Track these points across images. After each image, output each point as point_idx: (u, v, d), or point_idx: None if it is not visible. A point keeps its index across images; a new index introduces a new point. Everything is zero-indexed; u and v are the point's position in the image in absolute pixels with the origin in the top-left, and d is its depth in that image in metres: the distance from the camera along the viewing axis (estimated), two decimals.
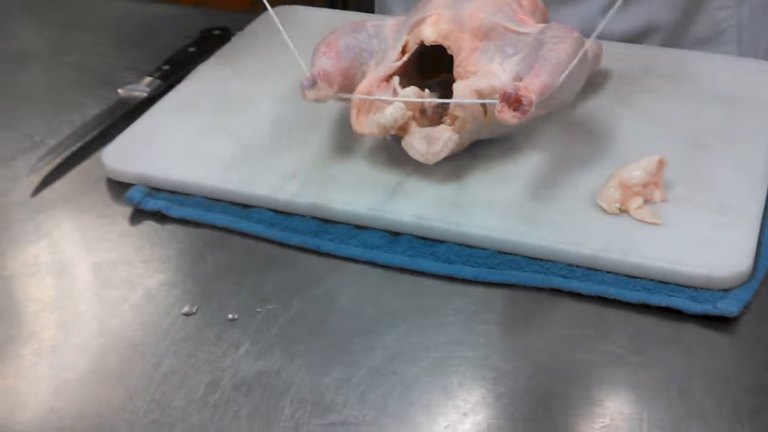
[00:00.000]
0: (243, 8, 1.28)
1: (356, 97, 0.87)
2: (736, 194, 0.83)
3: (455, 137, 0.85)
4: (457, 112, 0.85)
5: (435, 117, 0.87)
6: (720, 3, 1.11)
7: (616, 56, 1.02)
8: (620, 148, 0.90)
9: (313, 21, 1.14)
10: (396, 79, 0.87)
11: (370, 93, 0.87)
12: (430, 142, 0.85)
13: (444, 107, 0.87)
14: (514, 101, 0.78)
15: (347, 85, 0.88)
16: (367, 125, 0.87)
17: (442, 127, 0.85)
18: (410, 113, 0.85)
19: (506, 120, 0.78)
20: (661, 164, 0.83)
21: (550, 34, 0.85)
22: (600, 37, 0.88)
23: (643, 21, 1.11)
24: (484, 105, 0.85)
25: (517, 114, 0.78)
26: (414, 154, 0.86)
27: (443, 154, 0.85)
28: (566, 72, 0.81)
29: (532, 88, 0.78)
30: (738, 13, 1.13)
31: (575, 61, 0.81)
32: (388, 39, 0.92)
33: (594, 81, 0.99)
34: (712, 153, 0.89)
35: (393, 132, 0.86)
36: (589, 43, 0.83)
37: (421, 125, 0.86)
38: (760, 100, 0.96)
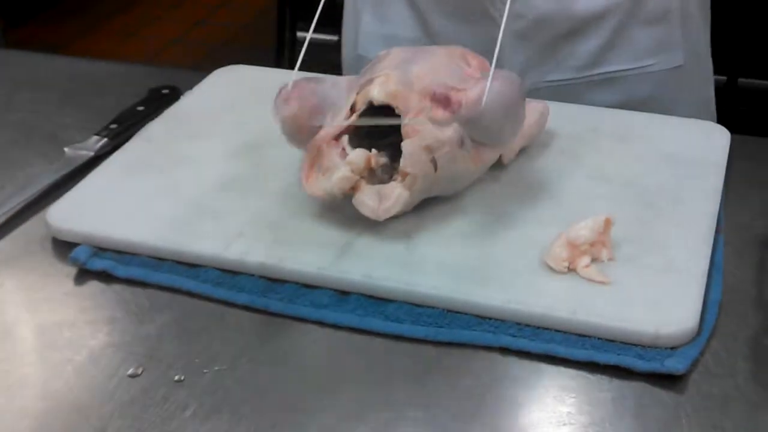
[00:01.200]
0: (192, 66, 1.28)
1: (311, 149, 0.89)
2: (683, 253, 0.84)
3: (406, 194, 0.85)
4: (408, 169, 0.85)
5: (384, 178, 0.88)
6: None
7: (563, 116, 1.03)
8: (568, 207, 0.90)
9: (260, 80, 1.14)
10: (345, 139, 0.88)
11: (320, 150, 0.88)
12: (382, 199, 0.85)
13: (393, 168, 0.87)
14: (443, 100, 0.83)
15: (314, 122, 0.90)
16: (316, 187, 0.87)
17: (393, 183, 0.86)
18: (357, 178, 0.86)
19: (438, 118, 0.83)
20: (608, 224, 0.84)
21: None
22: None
23: (605, 1, 1.15)
24: (434, 161, 0.85)
25: (446, 113, 0.83)
26: (365, 211, 0.86)
27: (394, 210, 0.85)
28: (489, 83, 0.86)
29: (463, 96, 0.84)
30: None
31: (486, 80, 0.87)
32: (342, 95, 0.92)
33: (542, 141, 1.00)
34: (659, 212, 0.90)
35: (340, 195, 0.86)
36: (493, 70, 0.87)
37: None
38: (707, 161, 0.97)
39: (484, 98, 0.85)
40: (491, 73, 0.86)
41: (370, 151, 0.87)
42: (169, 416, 0.72)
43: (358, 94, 0.89)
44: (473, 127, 0.87)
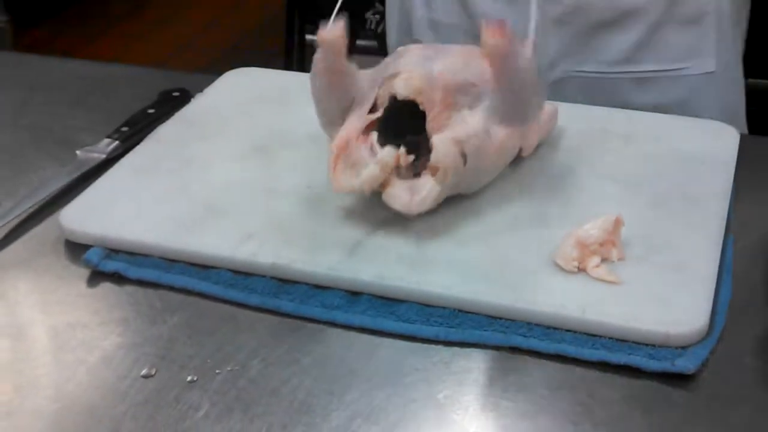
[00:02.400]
0: (202, 69, 1.28)
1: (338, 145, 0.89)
2: (693, 253, 0.84)
3: (438, 187, 0.86)
4: (440, 163, 0.85)
5: (408, 176, 0.88)
6: None
7: (573, 116, 1.03)
8: (578, 207, 0.90)
9: (269, 82, 1.15)
10: (375, 136, 0.88)
11: (348, 144, 0.88)
12: (414, 193, 0.86)
13: (418, 167, 0.88)
14: (500, 28, 0.84)
15: (344, 91, 0.91)
16: (344, 182, 0.87)
17: (424, 178, 0.86)
18: (385, 176, 0.86)
19: (494, 41, 0.84)
20: (618, 223, 0.84)
21: None
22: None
23: None
24: (463, 155, 0.86)
25: (504, 38, 0.85)
26: (397, 205, 0.86)
27: (426, 204, 0.86)
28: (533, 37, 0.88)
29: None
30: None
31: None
32: (364, 87, 0.93)
33: (551, 141, 1.00)
34: (669, 212, 0.90)
35: (369, 192, 0.87)
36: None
37: None
38: (717, 160, 0.97)
39: (530, 40, 0.88)
40: (532, 30, 0.89)
41: (398, 148, 0.88)
42: (181, 417, 0.72)
43: (380, 88, 0.90)
44: (513, 81, 0.88)
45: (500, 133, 0.90)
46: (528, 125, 0.93)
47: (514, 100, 0.89)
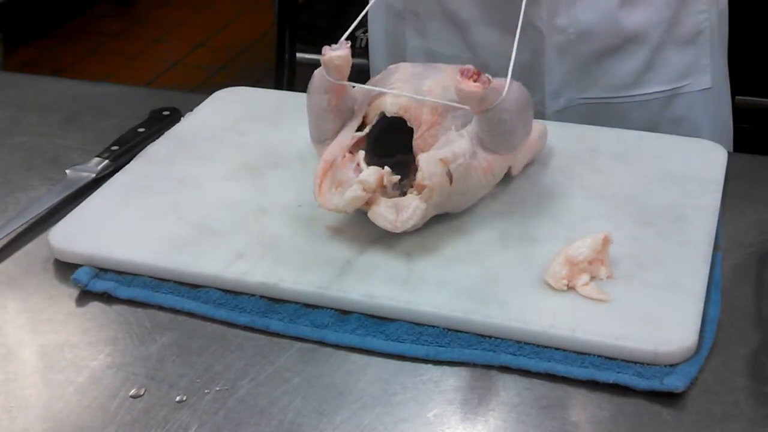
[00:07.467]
0: (192, 89, 1.28)
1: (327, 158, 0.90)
2: (681, 271, 0.85)
3: (423, 206, 0.86)
4: (426, 182, 0.86)
5: (395, 195, 0.88)
6: (699, 7, 1.19)
7: (562, 136, 1.03)
8: (567, 226, 0.91)
9: (259, 101, 1.15)
10: (361, 154, 0.88)
11: (335, 162, 0.88)
12: (399, 211, 0.86)
13: (402, 186, 0.88)
14: (473, 74, 0.84)
15: (341, 103, 0.92)
16: (328, 200, 0.88)
17: (409, 196, 0.87)
18: (368, 196, 0.86)
19: (467, 88, 0.84)
20: (606, 242, 0.84)
21: None
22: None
23: (645, 18, 1.17)
24: (449, 173, 0.86)
25: (477, 84, 0.84)
26: (382, 223, 0.86)
27: (411, 222, 0.86)
28: (509, 77, 0.88)
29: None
30: (710, 17, 1.20)
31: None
32: (355, 104, 0.93)
33: (541, 160, 1.00)
34: (657, 230, 0.90)
35: (352, 212, 0.87)
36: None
37: None
38: (705, 179, 0.97)
39: (506, 87, 0.87)
40: (510, 69, 0.88)
41: (383, 168, 0.88)
42: None
43: (369, 105, 0.90)
44: (491, 120, 0.88)
45: (488, 155, 0.90)
46: (514, 152, 0.93)
47: (495, 134, 0.90)
